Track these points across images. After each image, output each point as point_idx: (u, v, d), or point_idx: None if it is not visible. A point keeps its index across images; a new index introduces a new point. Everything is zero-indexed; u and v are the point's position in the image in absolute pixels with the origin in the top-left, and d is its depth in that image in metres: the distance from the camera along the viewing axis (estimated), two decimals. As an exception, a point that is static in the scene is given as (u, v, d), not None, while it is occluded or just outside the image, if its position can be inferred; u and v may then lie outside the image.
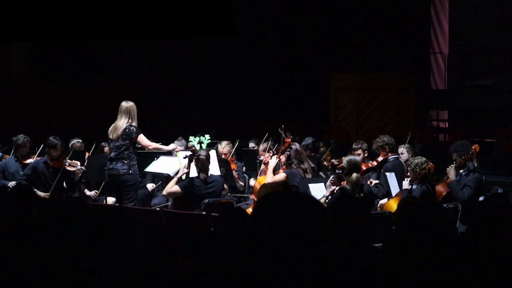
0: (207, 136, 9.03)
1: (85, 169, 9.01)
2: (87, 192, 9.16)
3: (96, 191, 9.14)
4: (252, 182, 8.98)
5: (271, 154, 8.67)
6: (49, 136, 9.01)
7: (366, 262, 3.43)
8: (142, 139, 8.42)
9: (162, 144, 10.04)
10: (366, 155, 9.23)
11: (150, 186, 9.37)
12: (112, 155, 8.38)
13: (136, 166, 8.44)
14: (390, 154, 8.95)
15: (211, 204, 7.58)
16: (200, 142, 8.73)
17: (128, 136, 8.29)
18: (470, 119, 13.52)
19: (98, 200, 9.02)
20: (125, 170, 8.30)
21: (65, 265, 3.21)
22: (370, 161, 9.11)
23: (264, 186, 8.05)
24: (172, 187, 7.76)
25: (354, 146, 9.26)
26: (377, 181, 8.52)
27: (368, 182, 8.24)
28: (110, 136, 8.42)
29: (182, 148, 9.22)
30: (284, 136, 8.24)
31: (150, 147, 8.60)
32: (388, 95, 13.34)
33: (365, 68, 14.38)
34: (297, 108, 14.79)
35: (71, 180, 8.98)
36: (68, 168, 8.88)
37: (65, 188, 8.93)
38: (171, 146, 8.72)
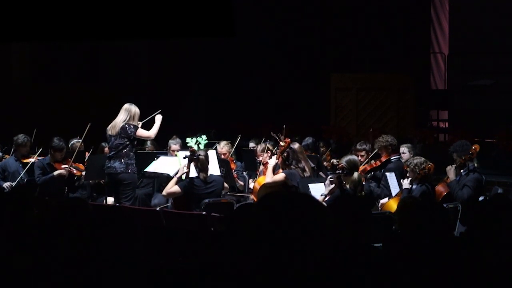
0: (204, 137, 9.03)
1: (84, 172, 9.01)
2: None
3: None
4: (252, 183, 8.97)
5: (269, 155, 8.67)
6: (49, 135, 9.01)
7: (366, 262, 3.43)
8: (142, 132, 8.46)
9: (159, 145, 10.08)
10: (370, 156, 9.22)
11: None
12: (110, 154, 8.43)
13: (134, 165, 8.46)
14: (392, 155, 8.97)
15: (211, 204, 7.58)
16: (197, 143, 8.73)
17: (126, 134, 8.33)
18: (470, 119, 13.51)
19: (98, 200, 9.02)
20: (122, 169, 8.33)
21: (65, 264, 3.21)
22: (373, 161, 9.10)
23: (264, 186, 8.05)
24: (172, 187, 7.75)
25: (358, 146, 9.21)
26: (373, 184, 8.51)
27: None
28: (109, 132, 8.45)
29: (177, 147, 9.21)
30: (278, 139, 8.26)
31: (152, 135, 8.63)
32: (388, 95, 13.34)
33: (365, 68, 14.39)
34: (297, 108, 14.79)
35: (74, 182, 9.00)
36: (75, 172, 8.92)
37: (67, 190, 8.92)
38: (158, 119, 8.64)
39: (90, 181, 9.16)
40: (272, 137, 8.99)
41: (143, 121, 8.61)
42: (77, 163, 9.05)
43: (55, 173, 8.73)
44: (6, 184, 8.66)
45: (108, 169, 8.41)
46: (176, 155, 8.76)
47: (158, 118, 8.65)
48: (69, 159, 8.88)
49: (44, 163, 8.86)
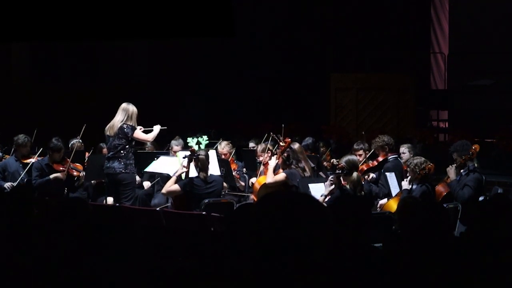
0: (205, 137, 9.03)
1: (84, 172, 9.00)
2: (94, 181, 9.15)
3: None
4: (253, 180, 8.96)
5: (269, 155, 8.68)
6: (49, 136, 9.00)
7: (366, 262, 3.43)
8: (139, 134, 8.43)
9: (159, 145, 10.07)
10: (367, 155, 9.25)
11: (147, 184, 9.33)
12: (109, 154, 8.42)
13: (133, 165, 8.46)
14: (389, 154, 8.97)
15: (211, 204, 7.58)
16: (198, 143, 8.73)
17: (124, 134, 8.32)
18: (470, 119, 13.51)
19: (98, 200, 9.01)
20: (121, 169, 8.32)
21: (65, 264, 3.21)
22: (371, 161, 9.13)
23: (264, 186, 8.05)
24: (171, 185, 7.75)
25: (355, 146, 9.26)
26: (373, 175, 8.52)
27: (366, 177, 8.27)
28: (107, 133, 8.44)
29: (179, 148, 9.21)
30: (277, 140, 8.26)
31: (149, 139, 8.63)
32: (388, 95, 13.33)
33: (365, 68, 14.39)
34: (297, 108, 14.79)
35: (73, 183, 8.99)
36: (74, 173, 8.91)
37: (67, 190, 8.91)
38: (156, 128, 8.63)
39: (92, 181, 9.16)
40: (272, 137, 9.01)
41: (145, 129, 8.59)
42: (76, 164, 9.04)
43: (51, 176, 8.69)
44: (7, 184, 8.66)
45: (107, 169, 8.40)
46: (176, 155, 8.76)
47: (157, 127, 8.61)
48: (68, 159, 8.86)
49: (43, 164, 8.83)
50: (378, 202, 8.11)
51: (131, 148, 8.51)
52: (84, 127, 8.79)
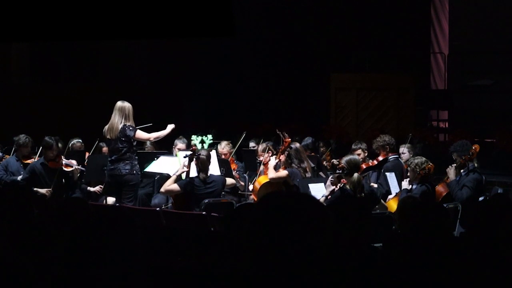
0: (210, 136, 9.00)
1: (83, 168, 8.99)
2: (91, 189, 9.14)
3: (100, 186, 9.05)
4: (250, 188, 8.94)
5: (270, 155, 8.68)
6: (48, 135, 9.00)
7: (366, 262, 3.43)
8: (140, 134, 8.36)
9: (158, 145, 10.03)
10: (366, 154, 9.26)
11: None
12: (113, 157, 8.32)
13: (138, 166, 8.43)
14: (390, 154, 8.97)
15: (211, 204, 7.57)
16: (202, 142, 8.71)
17: (126, 137, 8.24)
18: (470, 119, 13.52)
19: (98, 200, 9.01)
20: (127, 170, 8.27)
21: (65, 265, 3.20)
22: (371, 160, 9.13)
23: (264, 186, 8.06)
24: (170, 184, 7.75)
25: (353, 146, 9.29)
26: (375, 185, 8.51)
27: (370, 185, 8.26)
28: (108, 136, 8.35)
29: (183, 146, 9.20)
30: (282, 136, 8.27)
31: (151, 139, 8.58)
32: (388, 95, 13.34)
33: (365, 68, 14.39)
34: (297, 108, 14.79)
35: (70, 179, 8.97)
36: (65, 168, 8.87)
37: (65, 188, 8.91)
38: (169, 128, 8.58)
39: (88, 188, 9.15)
40: (273, 137, 9.01)
41: (145, 126, 8.54)
42: (70, 160, 9.03)
43: (35, 189, 8.59)
44: (20, 177, 8.66)
45: (111, 170, 8.32)
46: (176, 155, 8.76)
47: (170, 127, 8.53)
48: (61, 156, 8.84)
49: (37, 165, 8.77)
50: (387, 198, 8.11)
51: (134, 149, 8.47)
52: (69, 142, 8.78)
